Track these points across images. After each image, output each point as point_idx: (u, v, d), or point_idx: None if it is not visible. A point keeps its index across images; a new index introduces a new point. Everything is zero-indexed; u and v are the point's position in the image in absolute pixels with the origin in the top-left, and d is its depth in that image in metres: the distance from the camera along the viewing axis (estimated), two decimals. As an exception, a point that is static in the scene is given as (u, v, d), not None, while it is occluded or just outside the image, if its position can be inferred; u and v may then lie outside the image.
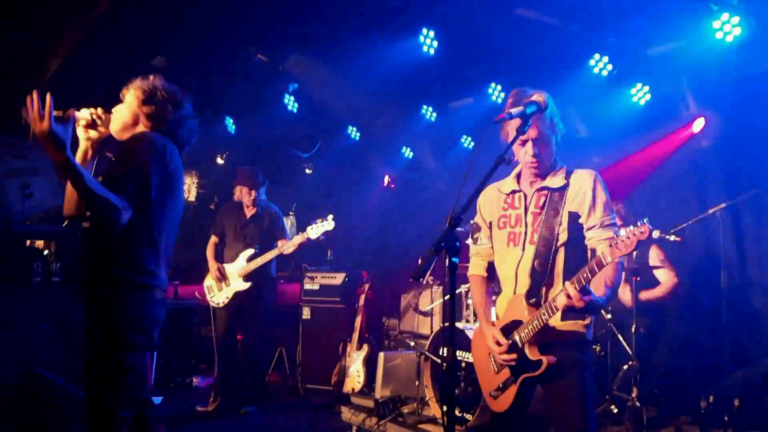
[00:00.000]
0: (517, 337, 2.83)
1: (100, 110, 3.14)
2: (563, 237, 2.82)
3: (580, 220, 2.83)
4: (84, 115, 3.11)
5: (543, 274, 2.82)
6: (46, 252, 7.60)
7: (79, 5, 5.98)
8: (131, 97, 3.16)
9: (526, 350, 2.80)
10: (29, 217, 6.98)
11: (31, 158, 6.71)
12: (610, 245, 2.54)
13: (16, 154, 6.63)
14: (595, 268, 2.57)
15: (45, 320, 6.00)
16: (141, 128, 3.15)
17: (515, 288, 2.91)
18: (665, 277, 5.34)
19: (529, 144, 2.84)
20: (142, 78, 3.21)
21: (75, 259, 6.65)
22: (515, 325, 2.85)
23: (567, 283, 2.65)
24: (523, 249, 2.89)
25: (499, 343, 2.85)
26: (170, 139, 3.13)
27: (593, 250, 2.81)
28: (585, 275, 2.59)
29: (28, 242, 7.22)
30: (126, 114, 3.16)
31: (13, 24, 5.99)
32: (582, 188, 2.84)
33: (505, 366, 2.91)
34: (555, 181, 2.90)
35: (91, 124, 3.13)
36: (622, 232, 2.50)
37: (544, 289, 2.83)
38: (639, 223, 2.47)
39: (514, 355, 2.82)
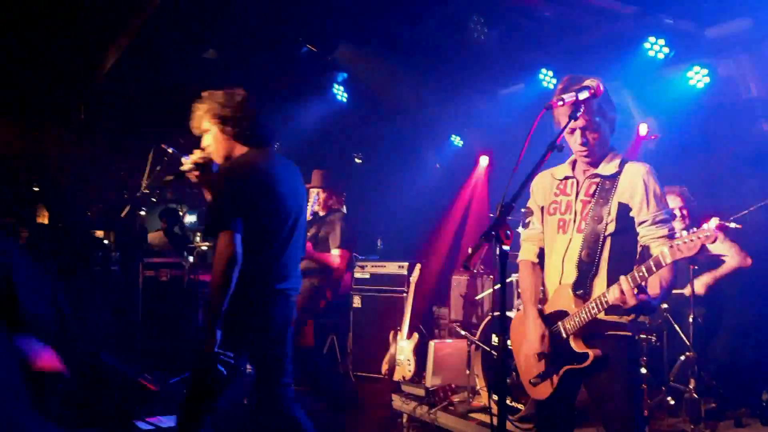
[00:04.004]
0: (561, 328, 2.79)
1: (198, 152, 3.32)
2: (611, 227, 2.74)
3: (631, 214, 2.75)
4: (188, 166, 3.34)
5: (590, 264, 2.76)
6: (105, 242, 7.86)
7: (134, 2, 6.13)
8: (211, 127, 3.29)
9: (571, 342, 2.75)
10: (90, 208, 7.23)
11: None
12: (671, 246, 2.45)
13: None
14: (653, 268, 2.51)
15: (105, 307, 6.21)
16: (237, 148, 3.30)
17: (560, 278, 2.84)
18: (730, 252, 5.11)
19: (578, 133, 2.77)
20: (200, 103, 3.31)
21: (135, 250, 6.86)
22: (560, 315, 2.80)
23: (622, 277, 2.58)
24: (571, 237, 2.83)
25: (543, 338, 2.82)
26: (261, 144, 3.30)
27: (646, 247, 2.73)
28: (641, 274, 2.53)
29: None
30: (219, 144, 3.30)
31: (73, 22, 6.19)
32: (633, 180, 2.75)
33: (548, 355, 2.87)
34: (608, 168, 2.83)
35: (197, 167, 3.34)
36: (685, 233, 2.41)
37: (590, 281, 2.77)
38: (705, 226, 2.38)
39: (546, 346, 2.80)
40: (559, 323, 2.79)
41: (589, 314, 2.68)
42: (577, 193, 2.87)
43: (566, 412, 2.93)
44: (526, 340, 2.92)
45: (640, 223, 2.74)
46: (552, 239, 2.94)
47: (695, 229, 2.40)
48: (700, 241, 2.38)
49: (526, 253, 3.14)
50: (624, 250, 2.76)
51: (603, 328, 2.74)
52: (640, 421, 2.74)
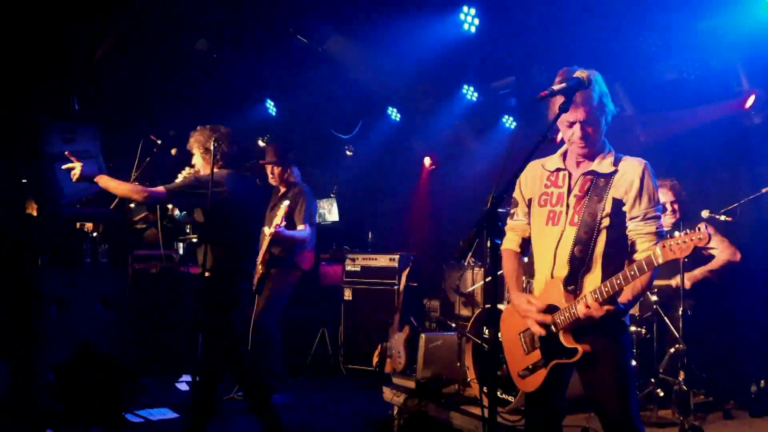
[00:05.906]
0: (552, 322, 2.77)
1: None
2: (605, 222, 2.74)
3: (624, 208, 2.74)
4: None
5: (582, 260, 2.75)
6: (94, 234, 7.79)
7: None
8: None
9: (561, 336, 2.74)
10: (78, 200, 7.16)
11: (80, 142, 6.85)
12: (664, 246, 2.45)
13: (66, 137, 6.78)
14: (645, 267, 2.51)
15: (95, 300, 6.17)
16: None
17: (552, 269, 2.83)
18: (720, 247, 5.12)
19: (577, 126, 2.74)
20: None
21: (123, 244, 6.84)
22: (551, 309, 2.78)
23: (589, 293, 2.62)
24: (563, 229, 2.81)
25: (532, 305, 2.79)
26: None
27: (633, 243, 2.74)
28: (632, 273, 2.53)
29: (77, 225, 7.41)
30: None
31: (63, 13, 6.13)
32: (630, 177, 2.74)
33: (536, 348, 2.85)
34: (603, 166, 2.80)
35: None
36: (678, 233, 2.42)
37: (582, 276, 2.77)
38: (698, 228, 2.38)
39: (549, 317, 2.75)
40: (550, 316, 2.78)
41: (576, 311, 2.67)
42: (570, 187, 2.86)
43: (556, 404, 2.93)
44: (516, 329, 2.93)
45: (631, 218, 2.74)
46: (541, 230, 2.92)
47: (688, 230, 2.39)
48: (693, 243, 2.38)
49: (509, 243, 3.14)
50: (618, 243, 2.76)
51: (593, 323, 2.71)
52: (635, 410, 2.73)
